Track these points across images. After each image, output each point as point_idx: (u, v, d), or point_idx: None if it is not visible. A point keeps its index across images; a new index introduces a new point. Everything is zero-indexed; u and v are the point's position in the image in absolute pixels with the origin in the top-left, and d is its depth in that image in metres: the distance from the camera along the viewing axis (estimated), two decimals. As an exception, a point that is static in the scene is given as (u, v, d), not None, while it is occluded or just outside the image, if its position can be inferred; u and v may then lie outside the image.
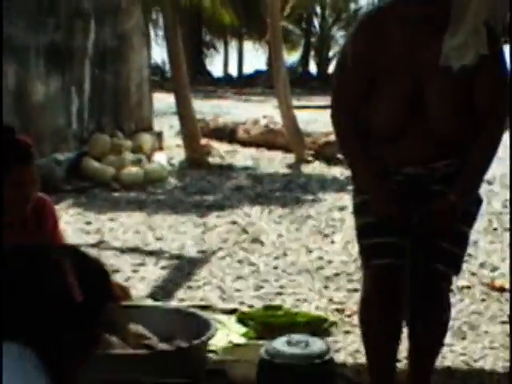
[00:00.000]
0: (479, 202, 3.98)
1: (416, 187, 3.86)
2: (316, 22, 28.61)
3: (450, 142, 3.79)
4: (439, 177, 3.85)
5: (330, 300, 6.11)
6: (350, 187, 10.42)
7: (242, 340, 5.06)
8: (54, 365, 2.27)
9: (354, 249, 7.53)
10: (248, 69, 29.05)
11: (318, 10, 27.46)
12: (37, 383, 2.23)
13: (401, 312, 3.97)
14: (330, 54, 29.04)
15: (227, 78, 28.61)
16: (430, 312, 4.05)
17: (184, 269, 7.03)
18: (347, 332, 5.43)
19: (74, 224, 8.42)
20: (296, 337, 4.42)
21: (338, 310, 5.87)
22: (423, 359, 4.16)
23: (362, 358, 4.89)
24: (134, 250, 7.66)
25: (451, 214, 3.76)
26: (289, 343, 4.30)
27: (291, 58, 25.52)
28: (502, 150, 3.98)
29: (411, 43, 3.70)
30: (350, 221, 8.56)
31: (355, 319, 5.63)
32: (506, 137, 3.97)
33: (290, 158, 12.50)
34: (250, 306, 5.83)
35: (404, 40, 3.70)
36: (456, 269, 4.02)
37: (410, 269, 3.92)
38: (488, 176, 5.58)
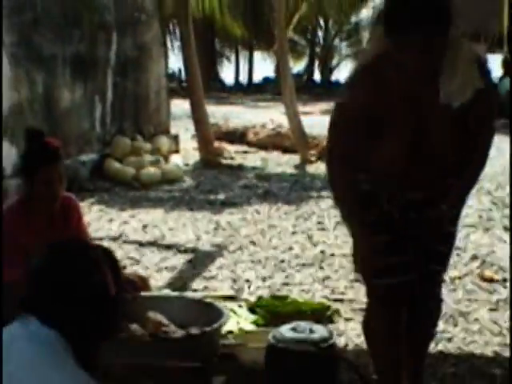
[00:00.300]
0: (464, 203, 4.00)
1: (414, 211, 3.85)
2: (320, 33, 28.56)
3: (449, 169, 3.79)
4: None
5: (332, 290, 6.14)
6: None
7: (252, 327, 5.09)
8: (80, 348, 2.34)
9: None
10: (257, 76, 29.01)
11: (322, 22, 27.37)
12: (65, 362, 2.29)
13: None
14: (333, 62, 29.02)
15: (238, 85, 28.59)
16: (427, 305, 4.09)
17: (198, 261, 7.07)
18: (348, 319, 5.45)
19: (97, 220, 8.45)
20: (301, 324, 4.44)
21: (339, 299, 5.90)
22: (419, 347, 4.19)
23: (362, 343, 4.92)
24: (153, 243, 7.68)
25: (443, 221, 3.82)
26: (294, 330, 4.32)
27: (297, 66, 25.49)
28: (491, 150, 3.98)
29: (410, 89, 3.64)
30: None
31: (355, 307, 5.67)
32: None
33: (296, 159, 12.49)
34: (259, 296, 5.85)
35: (402, 87, 3.64)
36: (446, 265, 4.09)
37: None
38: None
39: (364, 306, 5.58)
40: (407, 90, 3.64)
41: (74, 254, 2.51)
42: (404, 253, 3.81)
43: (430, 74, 3.62)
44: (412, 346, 4.12)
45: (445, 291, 5.64)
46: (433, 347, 4.79)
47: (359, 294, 5.95)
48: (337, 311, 5.52)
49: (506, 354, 4.82)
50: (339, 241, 7.67)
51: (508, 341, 4.93)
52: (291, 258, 7.10)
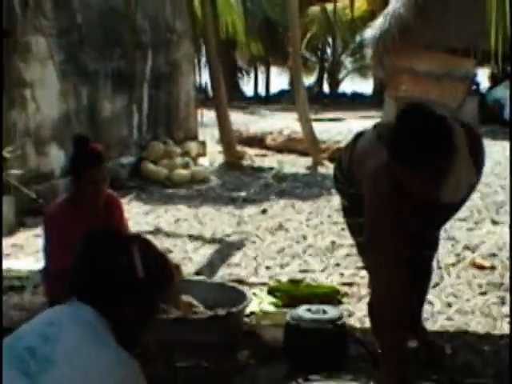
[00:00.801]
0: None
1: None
2: (328, 50, 28.48)
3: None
4: None
5: (342, 275, 6.13)
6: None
7: (272, 308, 5.11)
8: (119, 327, 2.33)
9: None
10: (274, 89, 28.92)
11: (330, 40, 27.31)
12: (108, 342, 2.28)
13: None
14: (340, 76, 28.96)
15: (257, 96, 28.53)
16: (424, 280, 4.31)
17: (224, 251, 7.08)
18: (356, 301, 5.46)
19: (135, 215, 8.47)
20: (315, 305, 4.46)
21: (348, 283, 5.90)
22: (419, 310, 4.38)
23: (368, 323, 4.93)
24: (184, 235, 7.71)
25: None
26: (309, 310, 4.35)
27: (308, 80, 25.35)
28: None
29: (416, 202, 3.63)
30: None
31: (362, 290, 5.67)
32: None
33: (308, 161, 12.44)
34: (278, 281, 5.86)
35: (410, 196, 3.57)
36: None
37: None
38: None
39: (369, 290, 5.61)
40: (413, 193, 3.54)
41: (105, 240, 2.51)
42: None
43: (433, 179, 3.43)
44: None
45: (439, 275, 5.74)
46: (431, 325, 4.81)
47: (365, 279, 5.97)
48: (346, 294, 5.53)
49: (495, 331, 4.85)
50: (347, 233, 7.67)
51: (499, 323, 4.95)
52: (306, 247, 7.10)
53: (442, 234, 4.85)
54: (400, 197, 3.54)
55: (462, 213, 8.09)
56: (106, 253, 2.44)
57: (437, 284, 5.66)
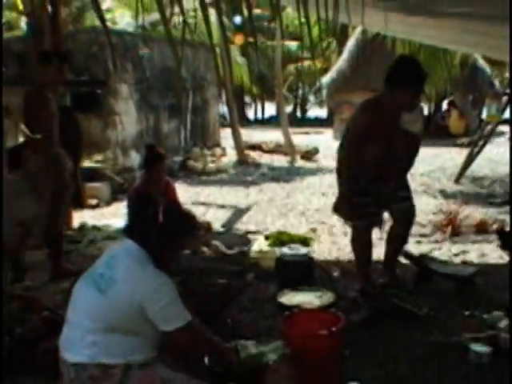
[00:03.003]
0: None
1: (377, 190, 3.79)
2: (300, 91, 28.35)
3: (400, 166, 3.77)
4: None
5: (311, 228, 6.08)
6: (318, 173, 10.37)
7: (267, 248, 5.07)
8: (154, 257, 2.26)
9: (321, 201, 7.53)
10: (266, 115, 28.77)
11: (300, 85, 27.23)
12: (148, 266, 2.23)
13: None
14: (307, 106, 28.89)
15: (256, 120, 28.39)
16: (402, 229, 3.92)
17: (237, 213, 7.05)
18: (322, 245, 5.40)
19: (183, 192, 8.43)
20: (293, 246, 4.44)
21: (313, 231, 5.86)
22: (400, 244, 4.03)
23: (327, 257, 4.89)
24: (213, 204, 7.67)
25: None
26: (290, 249, 4.33)
27: (288, 109, 25.20)
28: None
29: (387, 120, 3.59)
30: (318, 188, 8.64)
31: (323, 238, 5.62)
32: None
33: (288, 159, 12.38)
34: (272, 231, 5.80)
35: (384, 119, 3.58)
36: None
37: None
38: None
39: (331, 237, 5.55)
40: (385, 122, 3.59)
41: (146, 201, 2.47)
42: (370, 205, 3.77)
43: (397, 113, 3.58)
44: (392, 248, 3.99)
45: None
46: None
47: (325, 231, 5.92)
48: (312, 239, 5.47)
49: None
50: (315, 200, 7.67)
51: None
52: (287, 211, 7.07)
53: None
54: (374, 126, 3.59)
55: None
56: (142, 208, 2.39)
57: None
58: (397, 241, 3.96)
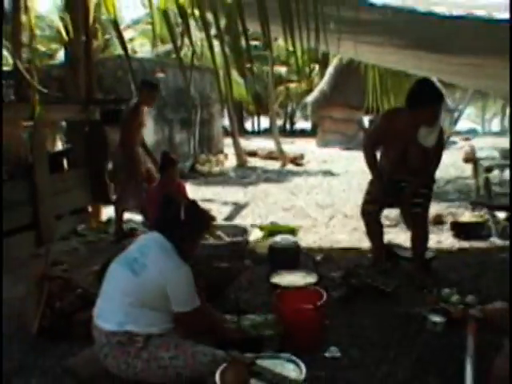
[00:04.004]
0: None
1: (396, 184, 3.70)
2: (289, 107, 28.29)
3: (416, 171, 3.63)
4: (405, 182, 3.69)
5: (296, 221, 6.05)
6: (303, 174, 10.33)
7: (262, 237, 5.07)
8: (178, 248, 2.26)
9: (306, 198, 7.50)
10: (261, 127, 28.74)
11: (289, 103, 27.17)
12: (174, 256, 2.23)
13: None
14: (295, 120, 28.86)
15: (252, 131, 28.36)
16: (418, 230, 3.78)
17: (238, 209, 7.01)
18: (307, 235, 5.38)
19: (193, 191, 8.41)
20: (283, 236, 4.43)
21: (301, 226, 5.84)
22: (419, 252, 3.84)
23: (311, 245, 4.88)
24: (217, 201, 7.64)
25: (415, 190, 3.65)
26: (280, 238, 4.31)
27: (279, 122, 25.12)
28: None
29: (404, 130, 3.48)
30: (304, 188, 8.62)
31: (307, 230, 5.58)
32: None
33: (278, 163, 12.37)
34: (265, 224, 5.78)
35: (401, 128, 3.48)
36: (427, 201, 3.75)
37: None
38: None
39: (314, 228, 5.53)
40: (403, 131, 3.49)
41: (170, 201, 2.46)
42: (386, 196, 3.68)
43: (414, 126, 3.45)
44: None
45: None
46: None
47: (310, 224, 5.90)
48: (298, 230, 5.44)
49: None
50: (301, 197, 7.64)
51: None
52: (278, 207, 7.02)
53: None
54: (390, 132, 3.51)
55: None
56: (168, 206, 2.39)
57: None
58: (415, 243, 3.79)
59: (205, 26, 1.98)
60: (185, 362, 2.15)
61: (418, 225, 3.75)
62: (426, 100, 3.29)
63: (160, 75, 9.75)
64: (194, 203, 2.47)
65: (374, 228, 3.85)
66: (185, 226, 2.28)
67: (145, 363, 2.12)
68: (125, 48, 2.15)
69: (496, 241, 4.75)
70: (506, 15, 2.28)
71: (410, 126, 3.45)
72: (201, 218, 2.39)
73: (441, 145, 3.60)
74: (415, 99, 3.32)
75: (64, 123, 6.46)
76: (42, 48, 15.27)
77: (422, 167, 3.59)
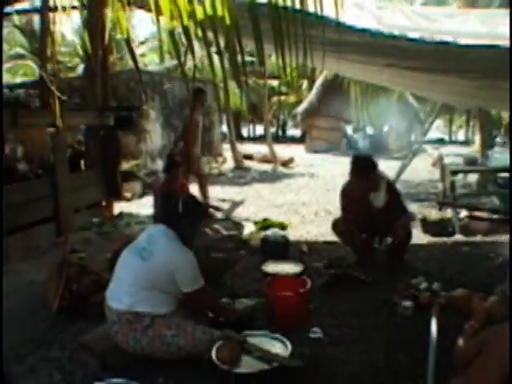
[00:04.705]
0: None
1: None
2: (281, 116, 28.28)
3: (380, 224, 3.68)
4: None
5: (286, 217, 6.03)
6: (293, 177, 10.28)
7: (255, 231, 5.04)
8: (180, 236, 2.26)
9: (295, 197, 7.49)
10: (257, 133, 28.70)
11: (281, 112, 27.18)
12: (176, 242, 2.23)
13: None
14: (286, 128, 28.83)
15: (249, 137, 28.30)
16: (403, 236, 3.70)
17: (234, 205, 6.96)
18: (295, 229, 5.33)
19: (194, 190, 8.40)
20: (274, 230, 4.43)
21: (290, 221, 5.83)
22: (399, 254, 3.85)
23: (299, 238, 4.86)
24: (216, 199, 7.58)
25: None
26: (272, 232, 4.31)
27: (272, 129, 25.11)
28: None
29: (359, 197, 3.59)
30: (293, 188, 8.61)
31: (296, 225, 5.56)
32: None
33: (271, 166, 12.35)
34: (258, 219, 5.74)
35: (356, 196, 3.59)
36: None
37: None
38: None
39: (302, 224, 5.51)
40: (359, 199, 3.59)
41: (171, 195, 2.45)
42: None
43: (367, 190, 3.57)
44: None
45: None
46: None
47: (298, 219, 5.90)
48: (288, 225, 5.38)
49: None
50: (291, 196, 7.63)
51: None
52: (270, 204, 6.98)
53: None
54: (352, 196, 3.61)
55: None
56: (168, 200, 2.38)
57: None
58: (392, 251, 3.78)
59: (206, 44, 1.99)
60: (185, 339, 2.16)
61: (402, 230, 3.68)
62: (362, 172, 3.48)
63: (167, 86, 9.72)
64: (190, 197, 2.48)
65: (346, 237, 3.84)
66: (183, 216, 2.28)
67: (150, 340, 2.13)
68: (136, 63, 2.17)
69: (459, 236, 4.78)
70: (467, 40, 2.33)
71: (361, 192, 3.58)
72: (197, 209, 2.39)
73: (393, 193, 3.67)
74: (355, 172, 3.50)
75: (82, 127, 6.43)
76: (65, 61, 15.33)
77: (388, 218, 3.62)
